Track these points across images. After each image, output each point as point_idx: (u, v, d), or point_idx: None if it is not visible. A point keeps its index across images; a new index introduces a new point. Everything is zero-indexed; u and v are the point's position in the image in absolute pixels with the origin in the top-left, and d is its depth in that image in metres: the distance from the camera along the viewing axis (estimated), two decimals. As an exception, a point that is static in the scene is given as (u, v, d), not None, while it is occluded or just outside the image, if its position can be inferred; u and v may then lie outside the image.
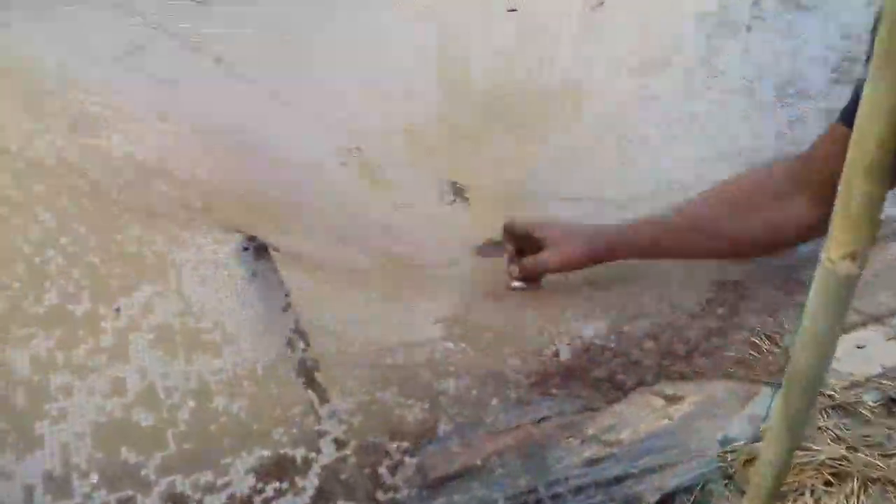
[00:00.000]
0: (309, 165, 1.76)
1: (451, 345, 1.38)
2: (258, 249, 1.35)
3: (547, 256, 1.51)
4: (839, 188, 0.60)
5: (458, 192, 1.83)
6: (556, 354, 1.40)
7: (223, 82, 1.77)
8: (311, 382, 1.22)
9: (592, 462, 1.25)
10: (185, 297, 1.25)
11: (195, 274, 1.29)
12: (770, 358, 1.43)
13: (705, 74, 2.07)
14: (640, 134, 1.99)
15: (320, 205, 1.67)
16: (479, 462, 1.21)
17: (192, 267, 1.30)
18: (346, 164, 1.79)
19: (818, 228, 1.30)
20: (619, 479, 1.23)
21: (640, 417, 1.33)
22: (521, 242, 1.59)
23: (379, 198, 1.78)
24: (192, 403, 1.14)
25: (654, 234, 1.48)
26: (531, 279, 1.57)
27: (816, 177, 1.33)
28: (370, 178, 1.79)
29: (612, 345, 1.43)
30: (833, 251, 0.63)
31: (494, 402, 1.30)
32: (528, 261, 1.55)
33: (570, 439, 1.28)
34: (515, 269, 1.57)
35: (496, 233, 1.65)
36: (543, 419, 1.30)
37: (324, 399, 1.20)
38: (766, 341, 1.46)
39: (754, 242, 1.47)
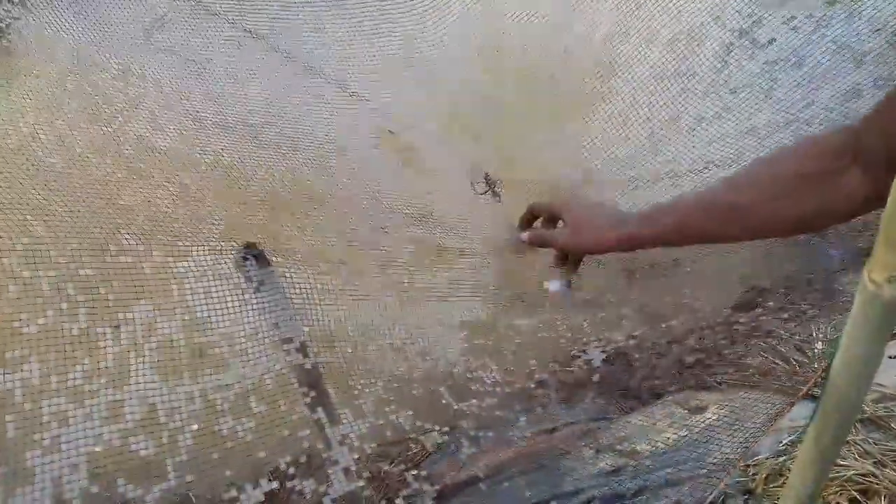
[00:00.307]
0: (340, 148, 1.71)
1: (473, 358, 1.33)
2: (258, 259, 1.30)
3: (559, 234, 1.47)
4: (886, 206, 0.55)
5: (490, 184, 1.79)
6: (589, 364, 1.36)
7: (253, 57, 1.73)
8: (321, 400, 1.17)
9: (607, 473, 1.21)
10: (187, 311, 1.20)
11: (198, 286, 1.23)
12: (798, 368, 1.38)
13: (746, 45, 2.01)
14: (675, 110, 1.93)
15: (349, 192, 1.62)
16: (489, 471, 1.17)
17: (194, 278, 1.24)
18: (378, 147, 1.75)
19: (870, 205, 1.25)
20: (634, 493, 1.19)
21: (659, 427, 1.29)
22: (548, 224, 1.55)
23: (411, 183, 1.74)
24: (195, 427, 1.09)
25: (687, 224, 1.40)
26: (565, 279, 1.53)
27: (871, 150, 1.25)
28: (403, 161, 1.76)
29: (634, 352, 1.39)
30: (877, 273, 0.58)
31: (521, 421, 1.25)
32: (542, 231, 1.51)
33: (585, 449, 1.24)
34: (525, 236, 1.52)
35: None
36: (556, 428, 1.26)
37: (335, 421, 1.15)
38: (794, 351, 1.41)
39: (800, 225, 1.39)
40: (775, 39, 1.95)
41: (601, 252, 1.47)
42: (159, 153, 1.39)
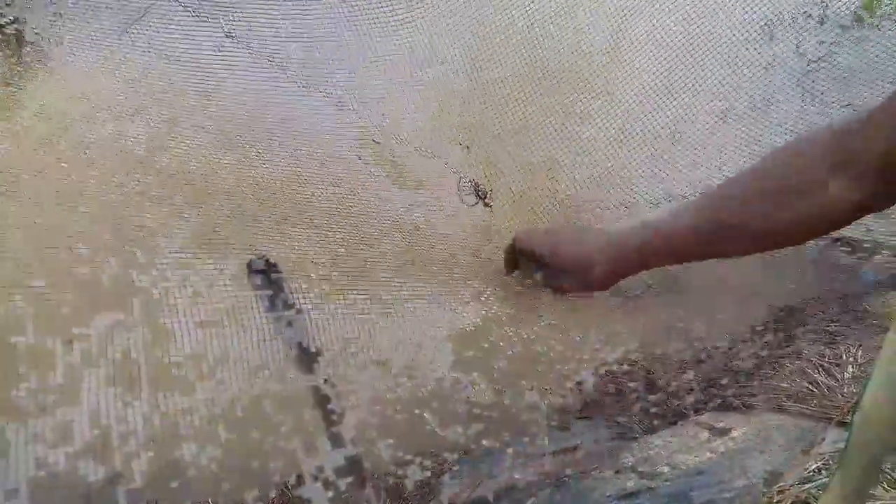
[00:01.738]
0: (326, 155, 1.66)
1: (460, 375, 1.26)
2: (266, 269, 1.25)
3: (569, 287, 1.43)
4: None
5: (481, 195, 1.75)
6: (580, 385, 1.30)
7: (233, 58, 1.68)
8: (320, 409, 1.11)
9: (627, 495, 1.17)
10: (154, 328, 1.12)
11: (168, 299, 1.16)
12: (826, 392, 1.32)
13: (760, 49, 1.94)
14: (680, 128, 1.87)
15: (335, 204, 1.57)
16: (505, 489, 1.12)
17: (162, 290, 1.17)
18: (362, 158, 1.70)
19: (863, 210, 1.19)
20: (655, 516, 1.14)
21: (682, 449, 1.24)
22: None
23: (399, 194, 1.69)
24: (150, 453, 1.01)
25: (683, 250, 1.36)
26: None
27: (863, 154, 1.17)
28: (390, 173, 1.71)
29: (656, 370, 1.33)
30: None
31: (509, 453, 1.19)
32: (552, 279, 1.47)
33: (605, 469, 1.19)
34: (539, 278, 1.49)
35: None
36: (577, 446, 1.21)
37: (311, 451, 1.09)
38: (823, 374, 1.35)
39: (790, 236, 1.33)
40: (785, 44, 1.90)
41: (607, 288, 1.43)
42: (125, 154, 1.34)
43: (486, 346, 1.32)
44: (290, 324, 1.18)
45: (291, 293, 1.23)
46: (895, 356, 0.58)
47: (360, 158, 1.67)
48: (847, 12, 1.92)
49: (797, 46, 1.92)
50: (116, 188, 1.26)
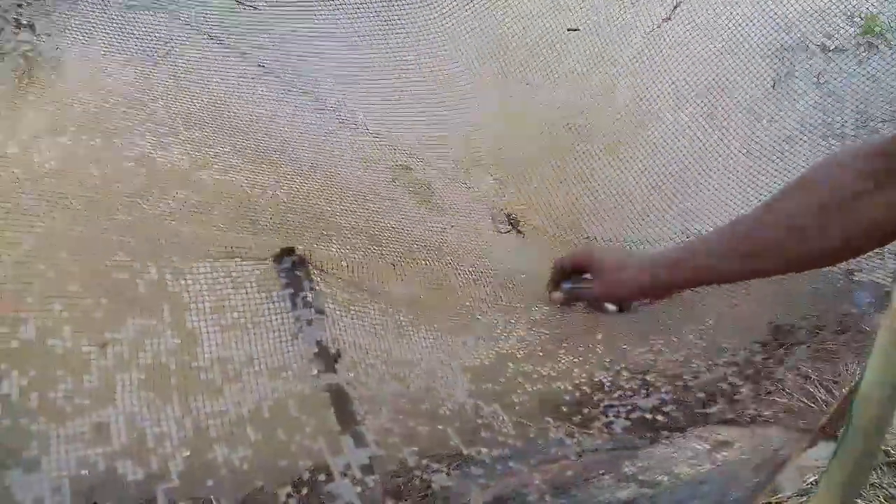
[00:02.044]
0: (356, 182, 1.69)
1: (481, 403, 1.28)
2: (296, 263, 1.27)
3: (593, 287, 1.44)
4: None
5: (514, 222, 1.78)
6: (608, 426, 1.31)
7: (265, 89, 1.71)
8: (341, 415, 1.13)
9: (627, 503, 1.17)
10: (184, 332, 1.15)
11: (197, 304, 1.18)
12: (825, 407, 1.34)
13: (777, 101, 1.96)
14: (704, 166, 1.89)
15: (363, 221, 1.60)
16: (510, 494, 1.14)
17: (192, 296, 1.19)
18: (396, 181, 1.73)
19: None
20: (653, 524, 1.15)
21: (682, 460, 1.26)
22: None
23: (430, 218, 1.71)
24: (186, 453, 1.03)
25: (719, 268, 1.35)
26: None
27: None
28: (422, 194, 1.73)
29: (659, 384, 1.35)
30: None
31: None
32: (572, 288, 1.48)
33: (606, 477, 1.20)
34: (558, 296, 1.50)
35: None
36: (580, 454, 1.22)
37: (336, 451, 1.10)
38: (821, 390, 1.37)
39: (827, 258, 1.33)
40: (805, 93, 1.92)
41: (636, 297, 1.44)
42: (160, 168, 1.37)
43: (508, 375, 1.34)
44: (310, 322, 1.21)
45: (312, 292, 1.26)
46: (888, 350, 0.60)
47: (393, 181, 1.70)
48: (863, 41, 1.94)
49: (816, 79, 1.94)
50: (154, 200, 1.29)
